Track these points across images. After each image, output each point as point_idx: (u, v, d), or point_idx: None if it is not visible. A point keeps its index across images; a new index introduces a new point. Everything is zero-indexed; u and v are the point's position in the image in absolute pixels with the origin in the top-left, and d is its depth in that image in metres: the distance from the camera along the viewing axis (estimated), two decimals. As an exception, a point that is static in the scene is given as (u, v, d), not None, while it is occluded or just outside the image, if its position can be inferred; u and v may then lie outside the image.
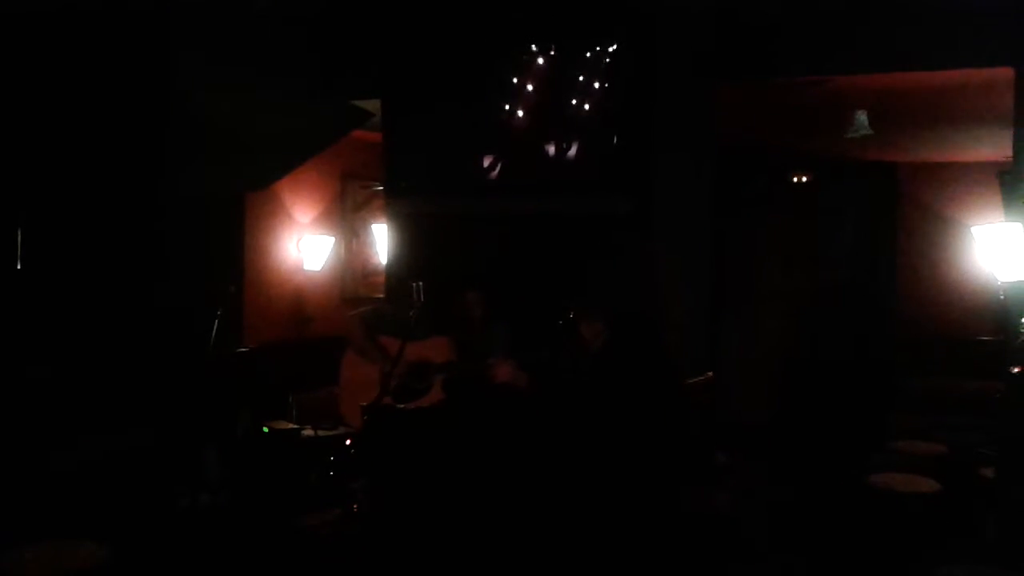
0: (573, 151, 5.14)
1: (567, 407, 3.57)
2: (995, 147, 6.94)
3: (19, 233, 4.88)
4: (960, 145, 7.21)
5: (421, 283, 3.81)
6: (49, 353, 4.98)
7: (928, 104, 5.77)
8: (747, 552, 4.71)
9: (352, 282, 7.99)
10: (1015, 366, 4.50)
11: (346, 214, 7.91)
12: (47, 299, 5.05)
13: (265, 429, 4.37)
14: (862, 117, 5.66)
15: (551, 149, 5.19)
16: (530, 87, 5.20)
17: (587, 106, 5.07)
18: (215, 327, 4.48)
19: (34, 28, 4.87)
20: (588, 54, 5.05)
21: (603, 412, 3.41)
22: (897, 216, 8.27)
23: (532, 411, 3.81)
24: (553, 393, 3.75)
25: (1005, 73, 4.70)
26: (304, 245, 7.44)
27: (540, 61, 5.18)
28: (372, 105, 5.81)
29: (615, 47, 5.00)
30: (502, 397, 3.93)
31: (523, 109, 5.22)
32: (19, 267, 4.89)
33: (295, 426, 4.58)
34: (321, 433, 4.45)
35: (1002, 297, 5.82)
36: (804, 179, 8.15)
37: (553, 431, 3.57)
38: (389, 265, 5.80)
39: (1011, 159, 4.84)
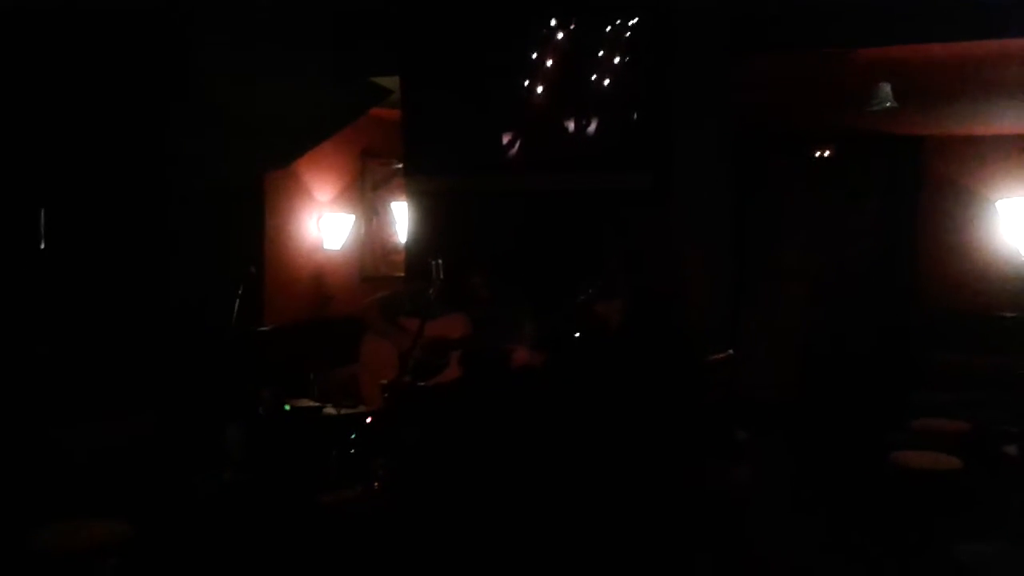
0: (593, 127, 5.09)
1: (585, 383, 3.57)
2: (1022, 119, 6.84)
3: (42, 215, 4.92)
4: (986, 118, 7.10)
5: (440, 261, 3.81)
6: (72, 333, 5.03)
7: (953, 76, 5.68)
8: (766, 527, 4.71)
9: (372, 260, 8.00)
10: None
11: (366, 192, 7.91)
12: (69, 280, 5.10)
13: (287, 407, 4.40)
14: (886, 90, 5.57)
15: (571, 125, 5.15)
16: (549, 62, 5.16)
17: (607, 81, 5.03)
18: (236, 307, 4.51)
19: (56, 16, 4.88)
20: (608, 29, 5.00)
21: (621, 388, 3.41)
22: (922, 191, 8.16)
23: (550, 388, 3.81)
24: (571, 370, 3.75)
25: (1032, 44, 4.62)
26: (324, 224, 7.45)
27: (559, 36, 5.13)
28: (391, 82, 5.79)
29: (635, 21, 4.94)
30: (519, 377, 3.94)
31: (542, 85, 5.18)
32: (42, 247, 4.94)
33: (316, 404, 4.61)
34: (342, 411, 4.48)
35: (1027, 272, 5.76)
36: (826, 154, 8.06)
37: (571, 408, 3.57)
38: (409, 243, 5.80)
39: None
